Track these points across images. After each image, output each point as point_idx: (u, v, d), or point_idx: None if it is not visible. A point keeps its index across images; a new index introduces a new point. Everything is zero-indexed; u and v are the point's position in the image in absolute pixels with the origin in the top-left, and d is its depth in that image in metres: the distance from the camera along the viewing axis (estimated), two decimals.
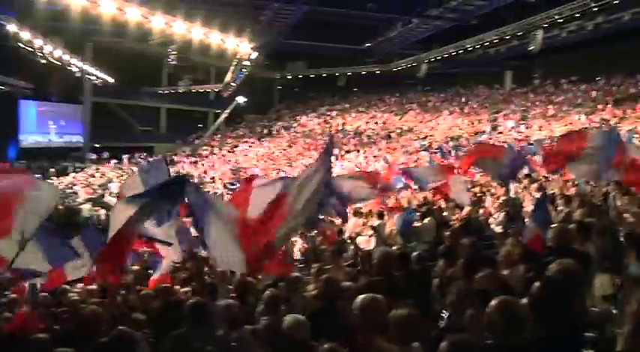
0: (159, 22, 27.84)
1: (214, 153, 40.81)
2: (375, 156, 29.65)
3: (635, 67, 28.68)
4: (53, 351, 3.91)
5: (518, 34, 31.91)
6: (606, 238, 5.50)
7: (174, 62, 40.18)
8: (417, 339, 3.25)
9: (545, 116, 28.64)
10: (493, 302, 2.97)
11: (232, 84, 42.18)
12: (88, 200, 23.72)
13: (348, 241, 10.03)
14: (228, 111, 45.40)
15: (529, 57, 34.36)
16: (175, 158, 38.70)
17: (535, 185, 11.77)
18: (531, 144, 17.03)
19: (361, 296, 3.63)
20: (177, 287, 7.04)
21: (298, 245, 10.83)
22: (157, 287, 6.80)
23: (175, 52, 38.69)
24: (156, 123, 47.31)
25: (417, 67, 39.89)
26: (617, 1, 26.23)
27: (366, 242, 9.53)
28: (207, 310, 4.41)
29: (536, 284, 3.32)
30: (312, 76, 48.03)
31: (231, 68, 39.47)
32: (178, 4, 29.31)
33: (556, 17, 29.17)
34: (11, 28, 30.27)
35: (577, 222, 5.67)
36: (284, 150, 38.38)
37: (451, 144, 26.58)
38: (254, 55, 35.52)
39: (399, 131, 35.65)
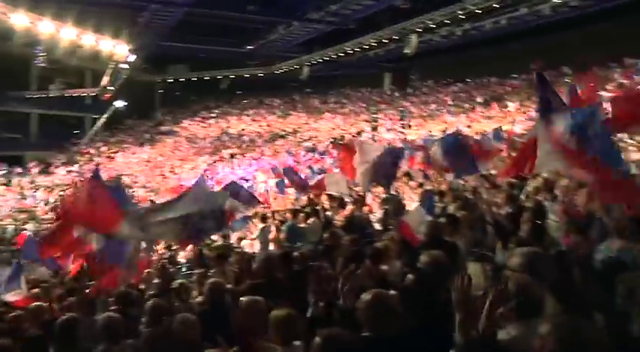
0: (22, 20, 25.95)
1: (92, 161, 38.77)
2: (256, 160, 29.72)
3: (501, 69, 31.12)
4: None
5: (394, 37, 33.36)
6: (476, 229, 5.90)
7: (43, 64, 37.45)
8: (297, 338, 3.31)
9: (422, 116, 30.15)
10: (364, 296, 3.08)
11: (110, 88, 40.27)
12: None
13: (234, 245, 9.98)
14: (106, 115, 43.34)
15: (406, 60, 35.99)
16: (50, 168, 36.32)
17: (414, 183, 12.30)
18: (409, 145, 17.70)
19: (242, 299, 3.64)
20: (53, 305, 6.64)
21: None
22: (27, 307, 6.38)
23: (44, 54, 36.11)
24: (25, 130, 44.01)
25: (300, 70, 40.46)
26: (479, 11, 28.32)
27: (250, 245, 9.53)
28: (77, 327, 4.20)
29: (409, 276, 3.49)
30: (194, 79, 47.09)
31: (108, 71, 37.71)
32: (45, 2, 27.51)
33: (428, 22, 30.90)
34: None
35: (447, 215, 6.03)
36: (166, 155, 37.33)
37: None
38: (132, 57, 34.21)
39: (283, 133, 35.94)
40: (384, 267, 4.99)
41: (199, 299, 5.47)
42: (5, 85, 40.36)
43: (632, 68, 22.32)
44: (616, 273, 3.47)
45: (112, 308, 5.38)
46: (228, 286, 5.39)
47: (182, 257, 10.56)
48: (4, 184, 30.49)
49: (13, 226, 20.54)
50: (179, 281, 6.21)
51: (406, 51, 32.51)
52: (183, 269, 9.29)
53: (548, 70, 26.23)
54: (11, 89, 41.52)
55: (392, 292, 3.28)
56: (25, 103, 42.92)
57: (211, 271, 6.85)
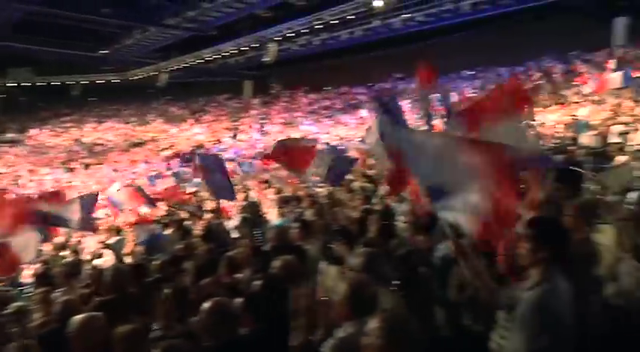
0: None
1: None
2: (115, 170, 28.35)
3: (357, 77, 32.62)
4: None
5: (254, 45, 33.54)
6: (327, 235, 6.07)
7: None
8: None
9: (283, 124, 30.59)
10: (204, 305, 3.08)
11: None
12: None
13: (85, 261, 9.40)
14: None
15: (266, 67, 36.32)
16: None
17: (272, 188, 12.42)
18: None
19: (76, 318, 3.47)
20: None
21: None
22: None
23: None
24: None
25: (157, 76, 39.19)
26: (335, 21, 29.42)
27: (104, 261, 9.05)
28: None
29: (256, 282, 3.53)
30: (40, 84, 43.71)
31: None
32: None
33: (286, 32, 31.49)
34: None
35: (300, 220, 6.16)
36: (10, 166, 34.27)
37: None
38: None
39: (140, 141, 34.62)
40: (240, 275, 5.00)
41: (42, 320, 5.07)
42: None
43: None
44: (451, 269, 3.75)
45: None
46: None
47: (26, 276, 9.74)
48: None
49: None
50: (17, 304, 5.71)
51: (266, 59, 32.81)
52: (26, 290, 8.56)
53: (405, 79, 28.30)
54: None
55: (238, 300, 3.30)
56: None
57: (58, 290, 6.38)
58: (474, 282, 3.13)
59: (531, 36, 24.96)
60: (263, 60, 33.15)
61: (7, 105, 46.30)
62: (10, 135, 41.23)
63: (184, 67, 37.62)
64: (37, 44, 35.71)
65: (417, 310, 4.21)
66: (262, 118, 32.60)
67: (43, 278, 7.58)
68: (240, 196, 12.40)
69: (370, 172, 11.38)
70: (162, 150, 31.21)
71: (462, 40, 27.92)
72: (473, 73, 26.72)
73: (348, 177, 11.12)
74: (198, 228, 10.13)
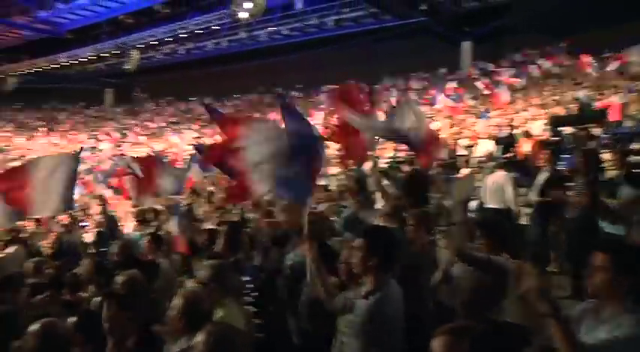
0: None
1: None
2: None
3: (222, 89, 32.39)
4: None
5: (115, 52, 32.08)
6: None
7: None
8: None
9: (146, 134, 29.51)
10: (32, 327, 2.86)
11: None
12: None
13: None
14: None
15: (129, 75, 34.88)
16: None
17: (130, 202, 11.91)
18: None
19: None
20: None
21: None
22: None
23: None
24: None
25: (4, 80, 35.97)
26: (200, 31, 29.04)
27: None
28: None
29: (95, 299, 3.33)
30: None
31: None
32: None
33: (150, 39, 30.47)
34: None
35: (151, 234, 5.95)
36: None
37: None
38: None
39: None
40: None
41: None
42: None
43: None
44: (299, 277, 3.81)
45: None
46: None
47: None
48: None
49: None
50: None
51: (127, 67, 31.49)
52: None
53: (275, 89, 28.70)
54: None
55: (70, 319, 3.09)
56: None
57: None
58: (317, 287, 3.22)
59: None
60: (125, 68, 31.75)
61: None
62: None
63: (37, 71, 34.93)
64: None
65: (270, 319, 4.24)
66: (124, 128, 31.21)
67: None
68: (96, 209, 11.78)
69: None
70: (12, 160, 28.70)
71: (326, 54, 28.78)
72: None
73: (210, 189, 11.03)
74: (47, 243, 9.46)
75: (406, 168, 9.79)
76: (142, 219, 9.21)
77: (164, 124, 30.69)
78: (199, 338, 2.20)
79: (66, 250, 8.95)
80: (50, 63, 33.98)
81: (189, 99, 34.14)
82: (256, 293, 4.28)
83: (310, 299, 3.65)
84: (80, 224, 11.13)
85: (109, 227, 10.20)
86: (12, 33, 32.97)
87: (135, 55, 30.88)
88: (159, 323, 3.21)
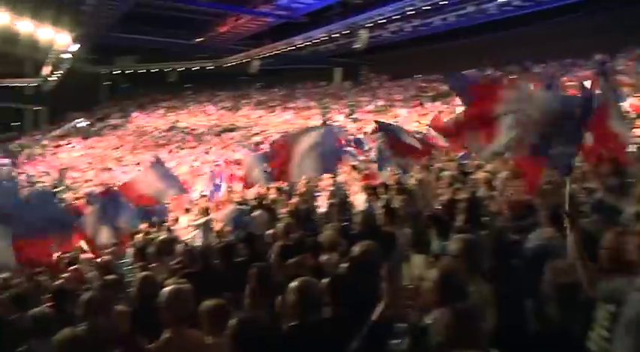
0: None
1: (36, 154, 37.43)
2: (207, 153, 29.30)
3: (448, 65, 31.65)
4: None
5: (345, 32, 33.48)
6: (417, 222, 5.96)
7: None
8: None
9: (372, 111, 30.33)
10: (291, 285, 3.08)
11: (52, 78, 38.91)
12: None
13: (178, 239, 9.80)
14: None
15: (356, 54, 36.17)
16: None
17: (359, 175, 12.37)
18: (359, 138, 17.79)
19: (166, 289, 3.59)
20: None
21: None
22: None
23: None
24: None
25: (249, 63, 40.10)
26: (428, 7, 28.74)
27: (192, 239, 9.41)
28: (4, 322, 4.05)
29: (342, 265, 3.50)
30: (141, 71, 46.05)
31: (49, 61, 36.37)
32: None
33: (378, 18, 31.17)
34: None
35: (385, 206, 6.09)
36: (115, 149, 36.38)
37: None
38: (74, 47, 33.09)
39: (232, 127, 35.55)
40: (325, 258, 5.01)
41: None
42: None
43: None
44: (544, 260, 3.57)
45: (46, 303, 5.20)
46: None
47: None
48: None
49: None
50: (113, 276, 6.06)
51: (357, 46, 32.67)
52: (126, 263, 9.06)
53: (497, 67, 27.30)
54: None
55: (323, 281, 3.28)
56: None
57: (152, 265, 6.70)
58: (578, 270, 2.95)
59: None
60: (353, 47, 33.02)
61: (111, 91, 49.26)
62: (110, 120, 43.74)
63: (275, 54, 38.20)
64: (140, 34, 37.63)
65: (506, 301, 4.06)
66: (352, 105, 32.48)
67: (139, 255, 8.01)
68: (327, 182, 12.50)
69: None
70: (253, 135, 31.90)
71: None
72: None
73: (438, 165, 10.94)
74: (285, 211, 10.32)
75: None
76: (371, 192, 9.54)
77: (390, 101, 31.19)
78: (442, 313, 2.18)
79: (302, 218, 9.70)
80: (287, 45, 36.76)
81: (415, 76, 34.13)
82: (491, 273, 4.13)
83: (559, 284, 3.39)
84: (314, 194, 11.94)
85: (340, 199, 10.77)
86: (257, 21, 36.47)
87: (364, 34, 31.88)
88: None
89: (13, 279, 7.02)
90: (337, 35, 34.64)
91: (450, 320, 2.16)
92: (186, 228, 10.52)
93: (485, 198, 6.70)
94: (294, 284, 3.06)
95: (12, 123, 45.05)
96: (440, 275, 2.70)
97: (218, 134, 34.80)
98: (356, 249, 3.74)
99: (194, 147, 32.60)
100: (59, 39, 31.22)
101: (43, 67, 38.68)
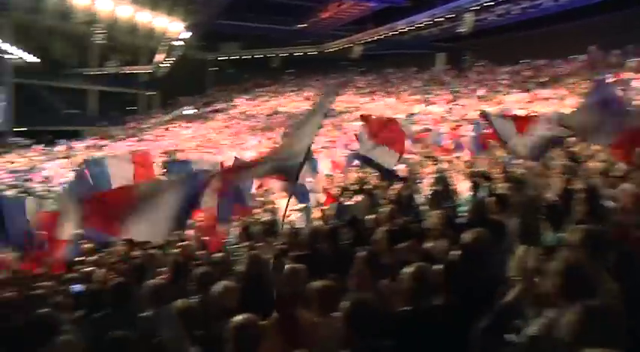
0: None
1: (147, 135, 39.72)
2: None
3: (556, 50, 29.98)
4: None
5: (449, 16, 32.61)
6: (527, 212, 5.71)
7: (101, 42, 38.57)
8: (336, 310, 3.31)
9: (476, 97, 29.38)
10: (407, 269, 3.04)
11: (163, 65, 41.08)
12: (11, 186, 22.71)
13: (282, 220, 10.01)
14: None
15: (460, 39, 35.16)
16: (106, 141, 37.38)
17: (467, 163, 12.07)
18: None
19: (285, 267, 3.67)
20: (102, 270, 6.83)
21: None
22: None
23: (102, 31, 37.14)
24: (83, 106, 45.53)
25: (351, 49, 40.10)
26: None
27: (294, 221, 9.57)
28: (129, 290, 4.32)
29: (454, 252, 3.42)
30: (245, 57, 47.42)
31: (162, 48, 38.37)
32: None
33: (484, 1, 30.07)
34: None
35: (495, 194, 5.89)
36: (219, 132, 37.82)
37: None
38: (186, 35, 34.64)
39: (334, 112, 35.71)
40: (429, 245, 4.93)
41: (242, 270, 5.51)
42: (66, 62, 41.83)
43: None
44: None
45: (162, 275, 5.50)
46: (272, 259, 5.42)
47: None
48: (65, 157, 31.54)
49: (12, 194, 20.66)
50: (221, 254, 6.31)
51: (462, 30, 31.72)
52: (231, 243, 9.41)
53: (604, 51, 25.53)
54: (71, 67, 42.99)
55: (436, 267, 3.23)
56: (84, 80, 44.37)
57: (257, 245, 6.90)
58: None
59: None
60: (458, 31, 32.10)
61: (217, 76, 51.17)
62: (216, 105, 45.46)
63: (377, 39, 37.92)
64: (245, 21, 38.74)
65: (628, 297, 3.78)
66: (454, 91, 31.63)
67: (244, 235, 8.29)
68: (429, 169, 12.28)
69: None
70: (354, 121, 31.91)
71: None
72: None
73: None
74: (386, 197, 10.26)
75: None
76: (475, 180, 9.26)
77: (495, 87, 30.04)
78: (572, 312, 2.05)
79: (404, 204, 9.59)
80: (389, 30, 36.36)
81: (521, 61, 32.64)
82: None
83: None
84: (416, 181, 11.78)
85: (443, 186, 10.56)
86: (359, 6, 36.34)
87: (469, 17, 30.90)
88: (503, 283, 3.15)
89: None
90: (441, 19, 33.81)
91: (581, 318, 2.02)
92: (287, 211, 10.72)
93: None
94: (408, 269, 3.03)
95: (127, 108, 48.06)
96: (564, 268, 2.53)
97: None
98: (467, 237, 3.63)
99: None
100: (172, 28, 32.76)
101: (156, 54, 40.80)
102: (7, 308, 4.72)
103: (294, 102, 40.61)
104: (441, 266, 3.25)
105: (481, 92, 29.83)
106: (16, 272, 6.70)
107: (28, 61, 40.32)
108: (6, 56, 38.75)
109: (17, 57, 39.70)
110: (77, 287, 6.55)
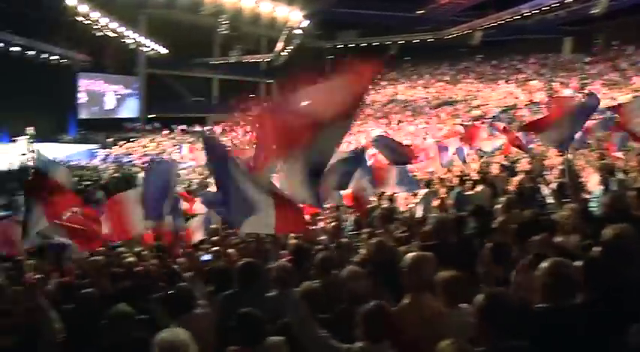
0: None
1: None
2: (425, 127, 29.11)
3: None
4: (109, 307, 4.01)
5: None
6: None
7: (225, 32, 40.35)
8: (463, 300, 3.23)
9: (607, 84, 27.33)
10: (545, 264, 2.88)
11: (283, 53, 42.13)
12: (142, 168, 24.44)
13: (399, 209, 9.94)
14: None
15: (589, 22, 32.77)
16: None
17: (594, 154, 11.32)
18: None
19: (411, 255, 3.62)
20: (231, 250, 7.13)
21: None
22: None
23: (226, 22, 38.83)
24: (208, 94, 47.93)
25: (471, 35, 38.77)
26: None
27: (414, 210, 9.43)
28: (257, 270, 4.46)
29: (596, 248, 3.20)
30: (362, 45, 47.35)
31: (282, 37, 39.35)
32: None
33: None
34: (70, 1, 31.13)
35: (636, 188, 5.46)
36: None
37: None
38: (305, 23, 35.28)
39: (451, 100, 34.86)
40: (560, 239, 4.67)
41: (364, 256, 5.52)
42: (192, 52, 44.19)
43: None
44: None
45: (286, 258, 5.64)
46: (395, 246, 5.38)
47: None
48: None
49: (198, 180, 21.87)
50: (344, 240, 6.35)
51: (594, 11, 29.51)
52: (348, 229, 9.48)
53: None
54: (197, 56, 45.35)
55: (576, 263, 3.03)
56: (209, 69, 46.66)
57: (377, 231, 6.89)
58: None
59: None
60: (591, 12, 29.87)
61: (334, 65, 51.57)
62: None
63: (499, 24, 36.35)
64: (361, 8, 38.72)
65: None
66: (583, 78, 29.60)
67: (364, 221, 8.32)
68: (557, 160, 11.63)
69: None
70: (472, 109, 30.97)
71: None
72: None
73: None
74: (508, 187, 9.86)
75: None
76: (604, 175, 8.66)
77: (630, 73, 27.75)
78: None
79: (527, 196, 9.15)
80: (513, 15, 34.71)
81: None
82: None
83: None
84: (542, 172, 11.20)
85: (571, 178, 9.94)
86: None
87: None
88: None
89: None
90: (570, 1, 31.66)
91: None
92: (406, 199, 10.61)
93: None
94: (545, 264, 2.87)
95: (249, 96, 49.84)
96: None
97: (435, 107, 34.40)
98: (609, 232, 3.39)
99: (412, 121, 32.68)
100: (292, 16, 33.52)
101: (276, 43, 41.88)
102: (149, 280, 5.08)
103: (412, 90, 40.07)
104: (580, 263, 3.04)
105: (613, 77, 27.73)
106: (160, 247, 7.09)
107: (159, 52, 43.07)
108: (141, 49, 41.72)
109: (150, 49, 42.56)
110: (206, 256, 6.95)
